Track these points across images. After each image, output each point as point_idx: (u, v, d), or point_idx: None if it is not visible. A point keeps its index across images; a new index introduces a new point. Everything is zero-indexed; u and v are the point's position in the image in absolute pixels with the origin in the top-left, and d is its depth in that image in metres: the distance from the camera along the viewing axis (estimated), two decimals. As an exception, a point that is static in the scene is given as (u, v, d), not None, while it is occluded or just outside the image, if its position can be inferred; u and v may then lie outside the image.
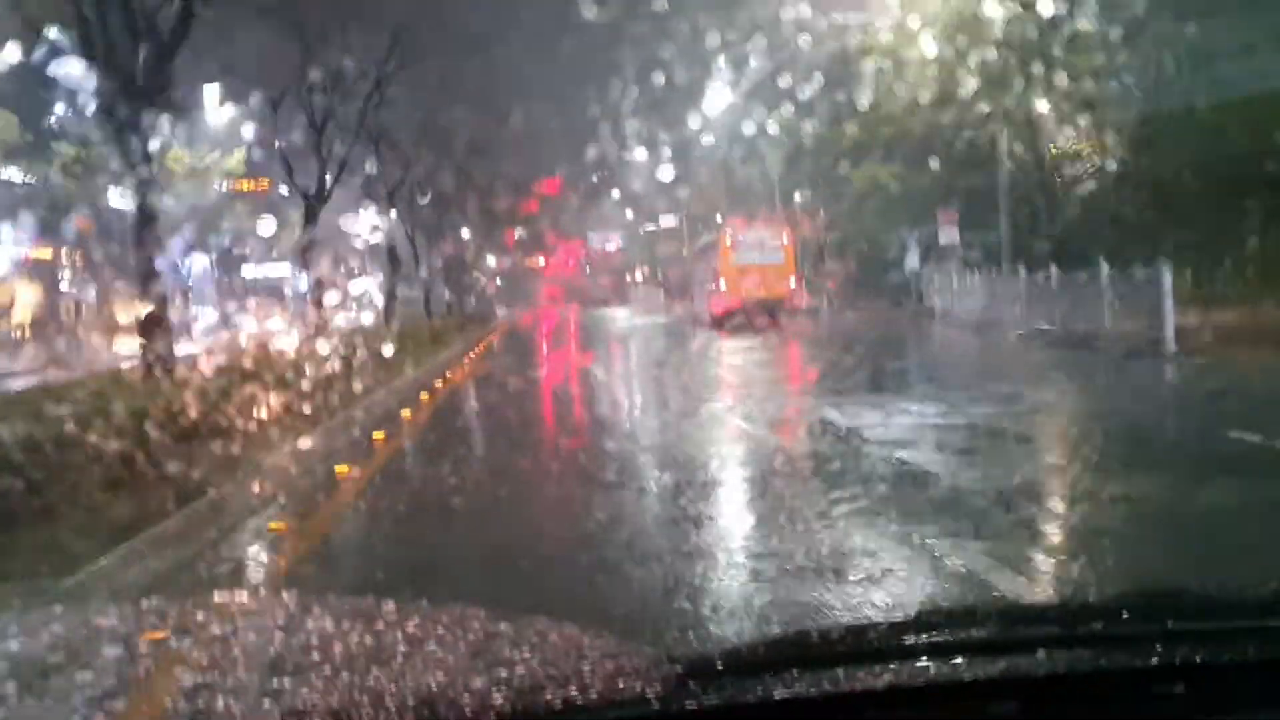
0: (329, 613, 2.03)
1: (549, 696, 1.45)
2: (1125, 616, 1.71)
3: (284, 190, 32.38)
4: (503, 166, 36.98)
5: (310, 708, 1.43)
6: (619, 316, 51.97)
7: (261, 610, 2.26)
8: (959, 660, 1.55)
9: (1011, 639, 1.62)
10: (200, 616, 2.04)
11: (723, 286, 32.91)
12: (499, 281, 69.12)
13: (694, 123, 41.12)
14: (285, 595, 2.90)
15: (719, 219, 45.02)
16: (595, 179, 62.50)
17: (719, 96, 39.97)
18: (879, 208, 35.51)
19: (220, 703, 1.48)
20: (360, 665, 1.63)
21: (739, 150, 42.88)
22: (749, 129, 37.69)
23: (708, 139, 43.46)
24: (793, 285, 33.31)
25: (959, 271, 30.24)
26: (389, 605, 1.99)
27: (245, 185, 46.09)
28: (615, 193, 66.57)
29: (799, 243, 35.56)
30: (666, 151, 45.69)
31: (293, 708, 1.44)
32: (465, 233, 47.09)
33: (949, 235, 30.99)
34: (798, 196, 42.86)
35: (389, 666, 1.62)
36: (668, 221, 62.74)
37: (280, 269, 49.84)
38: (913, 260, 34.48)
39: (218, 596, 2.87)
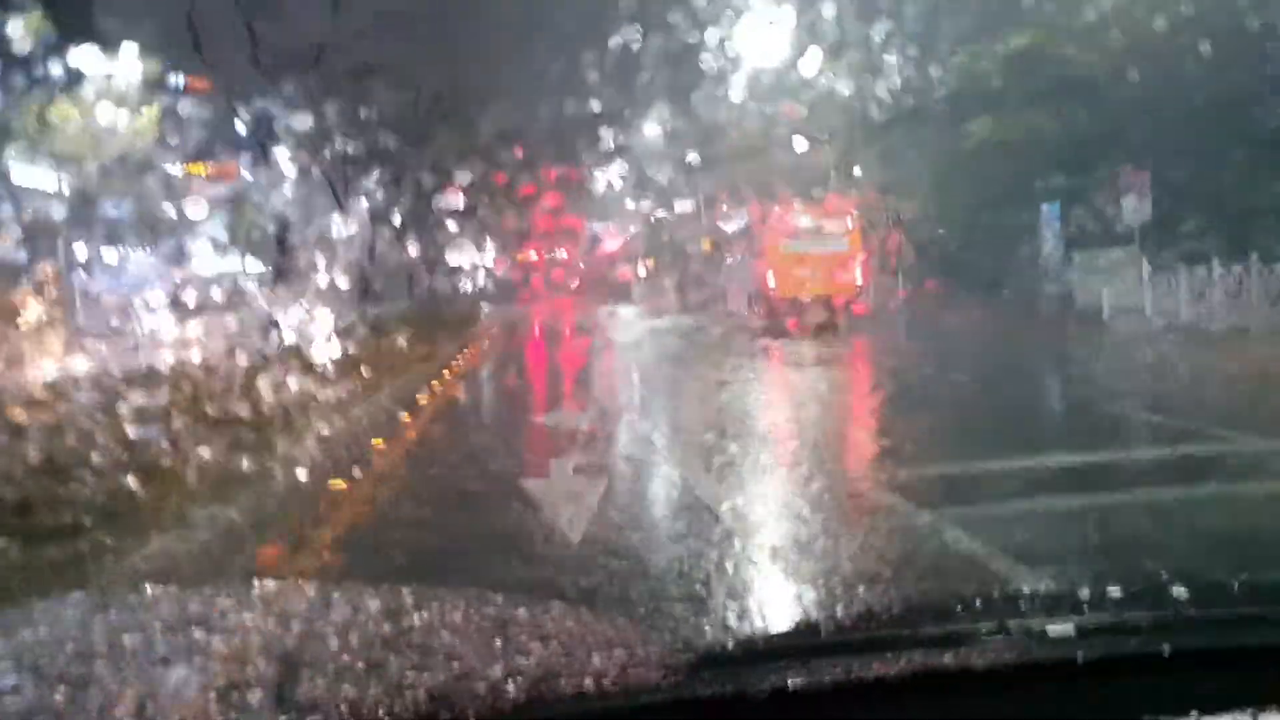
0: (340, 600, 2.03)
1: (562, 684, 1.44)
2: (1135, 605, 1.71)
3: (248, 175, 27.14)
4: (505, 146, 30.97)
5: (322, 697, 1.43)
6: (627, 320, 38.56)
7: (272, 598, 2.13)
8: (973, 648, 1.54)
9: (1025, 627, 1.61)
10: (213, 604, 1.99)
11: (771, 282, 25.22)
12: (484, 279, 59.90)
13: (720, 85, 33.35)
14: (296, 583, 2.99)
15: (737, 201, 37.57)
16: (589, 170, 53.05)
17: (756, 46, 31.35)
18: (990, 172, 25.81)
19: (232, 692, 1.45)
20: (373, 653, 1.62)
21: (782, 111, 33.47)
22: (799, 83, 30.17)
23: (740, 103, 34.56)
24: (859, 280, 25.28)
25: (1149, 259, 20.74)
26: (403, 591, 1.95)
27: (201, 169, 36.71)
28: (614, 177, 55.26)
29: (868, 226, 27.53)
30: (680, 123, 38.26)
31: (305, 696, 1.44)
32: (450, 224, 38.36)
33: (1137, 206, 20.75)
34: (858, 170, 34.12)
35: (403, 654, 1.61)
36: (683, 207, 51.54)
37: (231, 264, 40.85)
38: (1050, 243, 25.11)
39: (229, 585, 2.89)
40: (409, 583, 2.33)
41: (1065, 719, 1.52)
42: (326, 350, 11.35)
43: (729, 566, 4.46)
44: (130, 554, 4.04)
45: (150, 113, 30.69)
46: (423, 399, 11.77)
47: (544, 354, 24.41)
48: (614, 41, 27.88)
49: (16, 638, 1.76)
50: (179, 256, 40.63)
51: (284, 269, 21.57)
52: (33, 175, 32.56)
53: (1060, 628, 1.59)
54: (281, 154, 26.38)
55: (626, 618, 2.23)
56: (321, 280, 21.24)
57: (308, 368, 9.53)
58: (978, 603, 1.77)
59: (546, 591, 4.22)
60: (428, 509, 5.92)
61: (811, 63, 28.42)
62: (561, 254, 69.20)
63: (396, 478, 7.07)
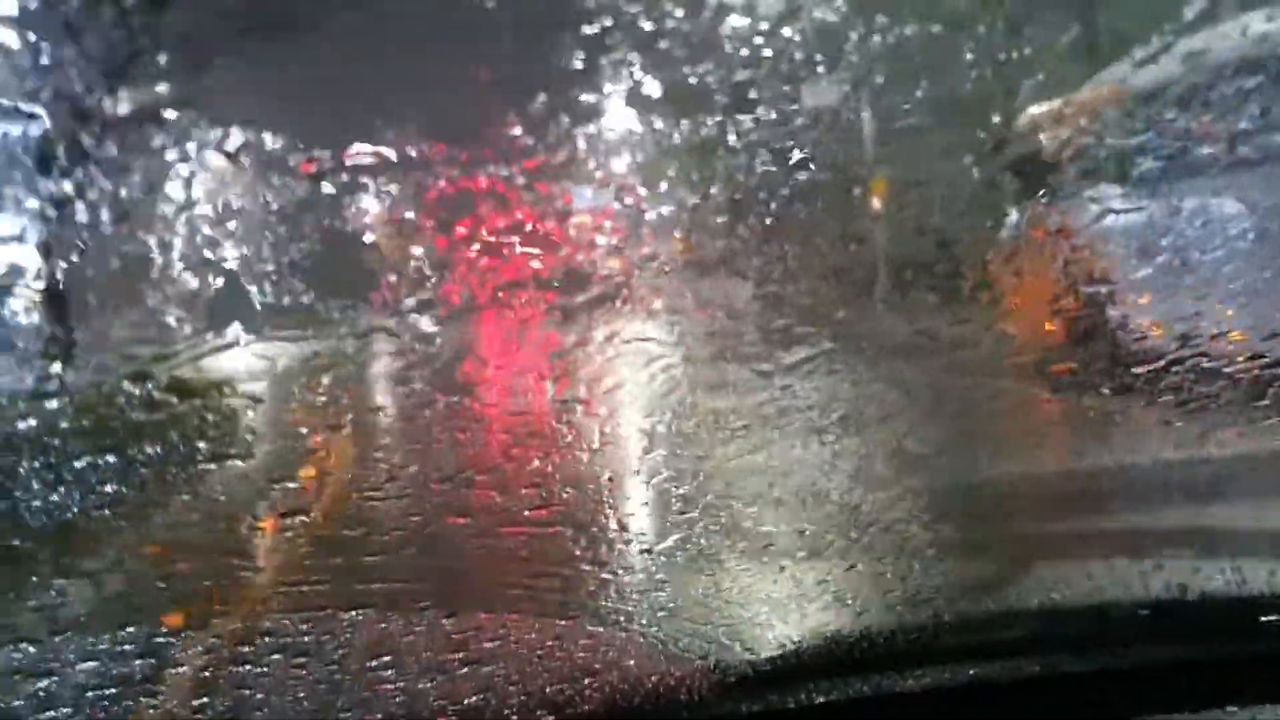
0: (376, 621, 2.14)
1: (591, 705, 1.49)
2: (1151, 617, 1.71)
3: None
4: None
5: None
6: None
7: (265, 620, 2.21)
8: (994, 662, 1.57)
9: (1044, 639, 1.66)
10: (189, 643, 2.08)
11: None
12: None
13: None
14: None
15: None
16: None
17: None
18: None
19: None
20: (407, 673, 1.71)
21: None
22: None
23: None
24: None
25: None
26: (431, 613, 2.10)
27: None
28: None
29: None
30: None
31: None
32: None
33: None
34: None
35: (436, 673, 1.68)
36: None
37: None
38: None
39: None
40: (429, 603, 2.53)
41: None
42: None
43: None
44: None
45: None
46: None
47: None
48: None
49: None
50: None
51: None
52: None
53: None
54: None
55: (651, 636, 2.35)
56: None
57: None
58: (1001, 617, 1.79)
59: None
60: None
61: None
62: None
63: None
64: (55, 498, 4.44)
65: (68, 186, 5.06)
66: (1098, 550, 3.36)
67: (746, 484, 4.80)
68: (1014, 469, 4.82)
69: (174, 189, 5.34)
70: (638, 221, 5.72)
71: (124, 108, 5.77)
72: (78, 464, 4.66)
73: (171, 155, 5.41)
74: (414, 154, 5.47)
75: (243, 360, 4.70)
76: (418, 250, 5.45)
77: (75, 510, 4.60)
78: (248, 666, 1.85)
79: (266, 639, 2.00)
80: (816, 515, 4.44)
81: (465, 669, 1.69)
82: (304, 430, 4.85)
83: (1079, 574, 3.81)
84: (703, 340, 5.34)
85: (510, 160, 5.73)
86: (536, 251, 5.58)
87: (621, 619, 3.50)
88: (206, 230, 5.13)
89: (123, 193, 5.16)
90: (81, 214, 5.27)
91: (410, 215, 5.51)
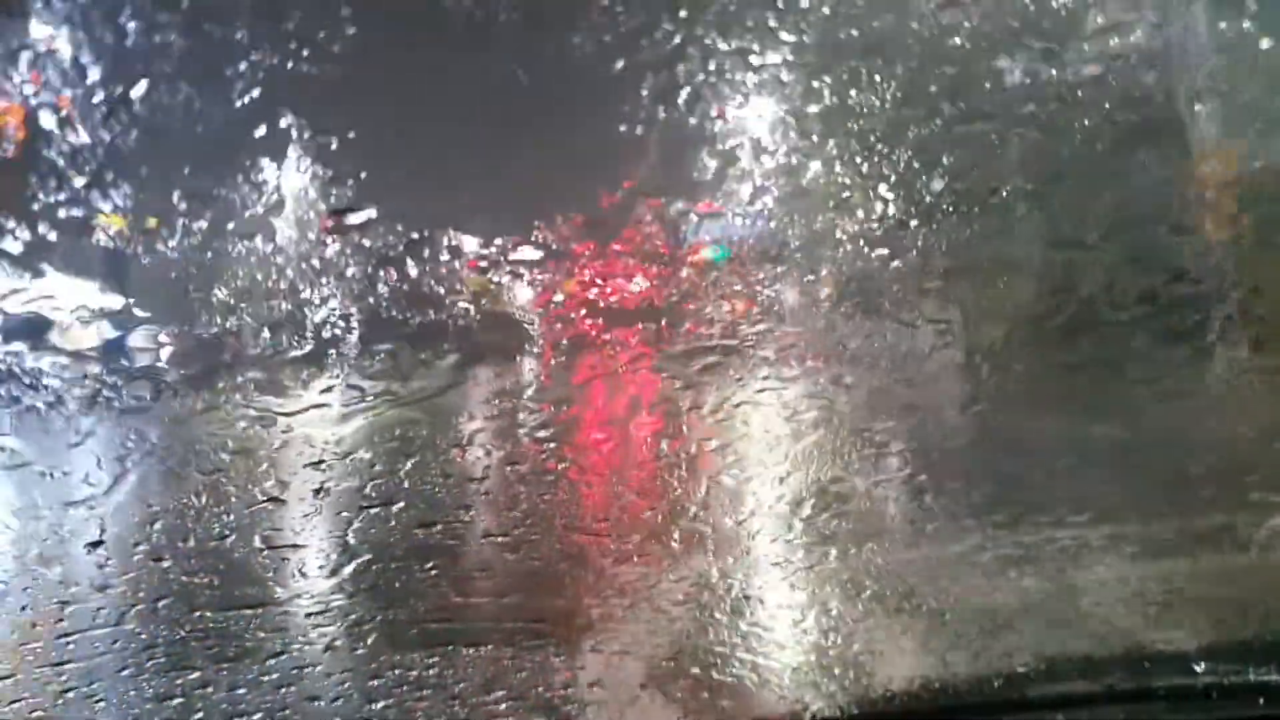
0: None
1: None
2: (1247, 665, 1.65)
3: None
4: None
5: None
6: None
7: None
8: (1081, 710, 1.60)
9: (1136, 688, 1.63)
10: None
11: None
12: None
13: None
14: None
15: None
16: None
17: None
18: None
19: None
20: (521, 708, 1.83)
21: None
22: None
23: None
24: None
25: None
26: (544, 651, 2.21)
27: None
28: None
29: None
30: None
31: None
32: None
33: None
34: None
35: (547, 709, 1.79)
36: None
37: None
38: None
39: None
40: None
41: None
42: None
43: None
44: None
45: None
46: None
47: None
48: None
49: None
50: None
51: None
52: None
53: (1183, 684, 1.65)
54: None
55: (750, 680, 2.43)
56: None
57: None
58: (1093, 664, 1.81)
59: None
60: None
61: None
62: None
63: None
64: (220, 543, 4.90)
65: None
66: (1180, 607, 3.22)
67: (844, 539, 4.96)
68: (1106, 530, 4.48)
69: (366, 282, 6.17)
70: (755, 303, 6.20)
71: (329, 221, 6.64)
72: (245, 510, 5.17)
73: (361, 252, 6.30)
74: (562, 248, 6.29)
75: (396, 416, 5.15)
76: (559, 327, 6.15)
77: (238, 553, 4.98)
78: (376, 701, 1.99)
79: (394, 672, 2.16)
80: (911, 569, 4.58)
81: (573, 705, 1.82)
82: (445, 479, 5.19)
83: (1172, 627, 3.82)
84: (813, 409, 5.41)
85: (647, 256, 6.44)
86: (663, 327, 6.10)
87: (720, 662, 3.57)
88: (387, 312, 5.93)
89: (324, 284, 5.92)
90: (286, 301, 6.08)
91: (554, 299, 6.25)
